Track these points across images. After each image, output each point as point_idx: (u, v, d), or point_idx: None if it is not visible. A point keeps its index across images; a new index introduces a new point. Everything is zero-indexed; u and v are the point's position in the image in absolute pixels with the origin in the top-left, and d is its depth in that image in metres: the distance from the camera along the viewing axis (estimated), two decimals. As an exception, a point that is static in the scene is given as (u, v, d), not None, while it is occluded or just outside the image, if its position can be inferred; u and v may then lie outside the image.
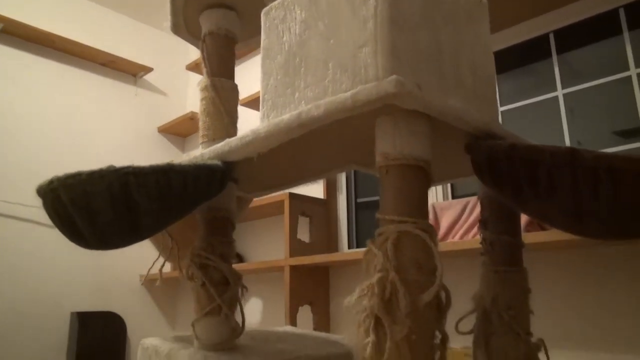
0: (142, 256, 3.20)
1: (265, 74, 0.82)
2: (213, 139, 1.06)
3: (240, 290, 1.04)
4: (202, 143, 1.03)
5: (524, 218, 1.59)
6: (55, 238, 2.85)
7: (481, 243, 0.94)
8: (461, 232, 1.72)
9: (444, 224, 1.78)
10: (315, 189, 2.65)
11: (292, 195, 2.41)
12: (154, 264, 1.10)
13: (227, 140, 0.85)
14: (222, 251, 1.01)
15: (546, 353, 0.89)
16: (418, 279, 0.64)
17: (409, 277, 0.63)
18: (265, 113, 0.81)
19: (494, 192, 0.82)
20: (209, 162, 0.85)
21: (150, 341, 1.05)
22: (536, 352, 0.87)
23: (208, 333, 0.97)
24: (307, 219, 2.47)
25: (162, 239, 1.14)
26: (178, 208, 0.83)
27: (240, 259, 2.91)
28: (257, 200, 2.57)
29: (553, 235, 1.45)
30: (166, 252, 1.12)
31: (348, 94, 0.65)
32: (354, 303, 0.63)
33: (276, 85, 0.79)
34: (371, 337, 0.62)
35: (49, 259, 2.80)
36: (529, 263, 1.81)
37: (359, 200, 2.62)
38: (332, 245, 2.55)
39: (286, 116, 0.73)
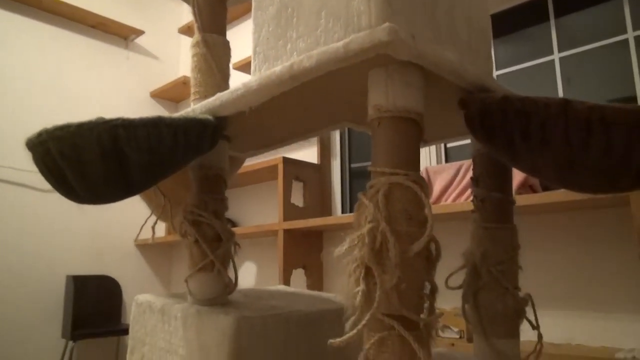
0: (137, 222, 3.21)
1: (257, 26, 0.80)
2: (205, 96, 1.04)
3: (232, 247, 1.05)
4: (194, 100, 1.02)
5: (515, 180, 1.60)
6: (48, 203, 2.84)
7: (472, 200, 0.94)
8: (454, 195, 1.73)
9: (437, 187, 1.79)
10: (309, 154, 2.64)
11: (285, 159, 2.41)
12: (146, 221, 1.10)
13: (219, 94, 0.84)
14: (214, 208, 1.01)
15: (533, 308, 0.91)
16: (408, 230, 0.64)
17: (399, 228, 0.64)
18: (257, 66, 0.80)
19: (486, 147, 0.82)
20: (200, 116, 0.85)
21: (144, 297, 1.06)
22: (523, 306, 0.88)
23: (201, 288, 0.98)
24: (301, 184, 2.47)
25: (154, 197, 1.14)
26: (169, 162, 0.83)
27: (233, 224, 2.92)
28: (251, 165, 2.57)
29: (544, 197, 1.46)
30: (158, 210, 1.12)
31: (340, 43, 0.64)
32: (344, 253, 0.64)
33: (268, 37, 0.78)
34: (361, 286, 0.63)
35: (42, 224, 2.80)
36: (519, 226, 1.82)
37: (353, 165, 2.62)
38: (325, 210, 2.56)
39: (278, 68, 0.72)
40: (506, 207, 0.91)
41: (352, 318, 0.65)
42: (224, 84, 1.09)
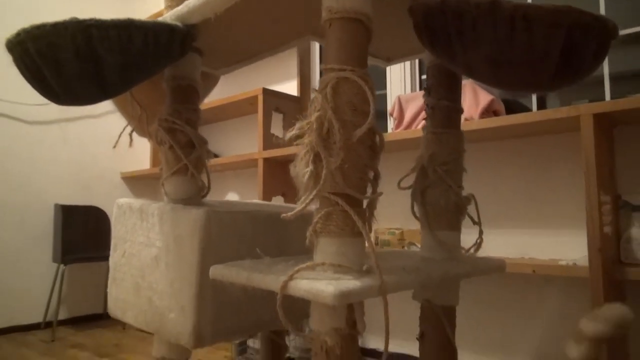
0: (123, 155, 3.27)
1: None
2: (176, 6, 1.09)
3: (205, 154, 1.13)
4: (166, 8, 1.06)
5: (479, 106, 1.68)
6: (33, 134, 2.88)
7: (425, 111, 1.02)
8: (424, 122, 1.81)
9: (408, 114, 1.87)
10: (289, 87, 2.68)
11: (265, 90, 2.45)
12: (123, 129, 1.17)
13: (187, 1, 0.90)
14: (187, 117, 1.09)
15: (476, 207, 1.01)
16: (352, 119, 0.72)
17: (344, 117, 0.72)
18: (220, -27, 0.85)
19: (431, 52, 0.89)
20: (170, 22, 0.90)
21: (124, 200, 1.14)
22: (465, 203, 0.98)
23: (176, 190, 1.07)
24: (281, 116, 2.53)
25: (131, 109, 1.21)
26: (141, 65, 0.89)
27: (215, 156, 2.99)
28: (232, 97, 2.61)
29: (504, 120, 1.55)
30: (134, 121, 1.19)
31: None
32: (293, 137, 0.72)
33: (230, -57, 0.82)
34: (310, 168, 0.72)
35: (28, 154, 2.85)
36: (482, 152, 1.92)
37: (333, 99, 2.66)
38: (305, 142, 2.63)
39: (238, -28, 0.77)
40: (453, 115, 0.99)
41: (303, 197, 0.74)
42: (195, -2, 1.12)
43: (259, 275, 0.72)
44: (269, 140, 2.40)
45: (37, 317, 2.77)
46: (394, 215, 2.09)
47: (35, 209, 2.85)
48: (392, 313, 2.03)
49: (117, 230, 1.14)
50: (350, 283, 0.65)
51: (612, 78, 1.78)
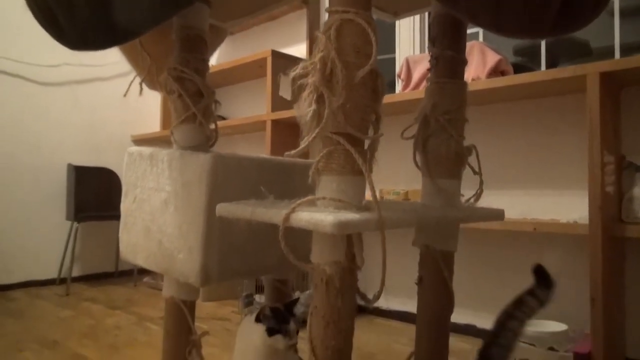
0: (133, 118, 3.30)
1: None
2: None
3: (213, 104, 1.15)
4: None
5: (487, 66, 1.68)
6: (45, 95, 2.91)
7: (430, 61, 1.03)
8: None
9: (416, 75, 1.87)
10: (298, 50, 2.68)
11: (274, 52, 2.46)
12: (134, 79, 1.19)
13: (195, -53, 0.91)
14: (196, 66, 1.11)
15: (477, 157, 1.03)
16: (355, 61, 0.74)
17: (347, 58, 0.74)
18: None
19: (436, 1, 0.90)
20: (178, -33, 0.91)
21: (134, 148, 1.18)
22: (466, 153, 1.00)
23: (184, 137, 1.10)
24: (289, 78, 2.53)
25: (140, 60, 1.23)
26: (149, 11, 0.90)
27: (223, 119, 3.01)
28: (241, 59, 2.62)
29: (510, 80, 1.55)
30: (144, 72, 1.21)
31: None
32: (297, 75, 0.74)
33: None
34: (313, 107, 0.74)
35: (40, 115, 2.89)
36: (488, 114, 1.92)
37: (342, 62, 2.66)
38: (313, 105, 2.64)
39: None
40: (457, 65, 1.00)
41: (306, 137, 0.77)
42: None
43: (262, 209, 0.76)
44: (278, 103, 2.42)
45: (52, 274, 2.86)
46: (399, 177, 2.12)
47: (48, 169, 2.91)
48: (394, 273, 2.08)
49: (128, 177, 1.18)
50: (349, 215, 0.68)
51: (623, 50, 1.76)
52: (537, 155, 1.77)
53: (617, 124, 1.55)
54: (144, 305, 2.36)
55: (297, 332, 0.95)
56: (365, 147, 0.79)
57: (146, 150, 1.13)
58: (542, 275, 0.77)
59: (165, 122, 3.34)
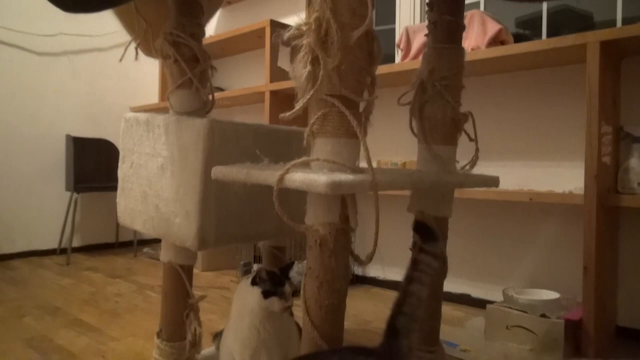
0: (131, 88, 3.28)
1: None
2: None
3: (209, 70, 1.15)
4: None
5: (487, 36, 1.67)
6: (43, 65, 2.89)
7: (427, 26, 1.03)
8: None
9: (416, 45, 1.85)
10: (298, 19, 2.65)
11: (273, 22, 2.43)
12: (129, 43, 1.18)
13: None
14: (192, 31, 1.10)
15: (473, 124, 1.03)
16: (350, 22, 0.73)
17: (342, 19, 0.73)
18: None
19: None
20: None
21: (131, 114, 1.18)
22: (462, 119, 1.00)
23: (181, 103, 1.10)
24: (288, 49, 2.51)
25: (136, 25, 1.22)
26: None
27: (221, 90, 2.99)
28: (240, 29, 2.59)
29: (510, 49, 1.53)
30: (139, 36, 1.20)
31: None
32: (291, 36, 0.74)
33: None
34: (308, 68, 0.74)
35: (38, 85, 2.87)
36: (487, 85, 1.91)
37: (341, 33, 2.63)
38: (312, 76, 2.62)
39: None
40: (455, 30, 0.99)
41: (301, 99, 0.77)
42: None
43: (257, 171, 0.76)
44: (276, 74, 2.40)
45: (52, 244, 2.89)
46: (398, 148, 2.12)
47: (47, 140, 2.91)
48: (390, 244, 2.10)
49: (125, 143, 1.18)
50: (343, 176, 0.68)
51: (625, 23, 1.73)
52: (535, 126, 1.77)
53: (617, 94, 1.54)
54: (143, 274, 2.39)
55: (293, 295, 0.97)
56: (361, 110, 0.79)
57: (142, 116, 1.13)
58: (425, 231, 0.74)
59: (164, 93, 3.32)
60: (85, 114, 3.09)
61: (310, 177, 0.68)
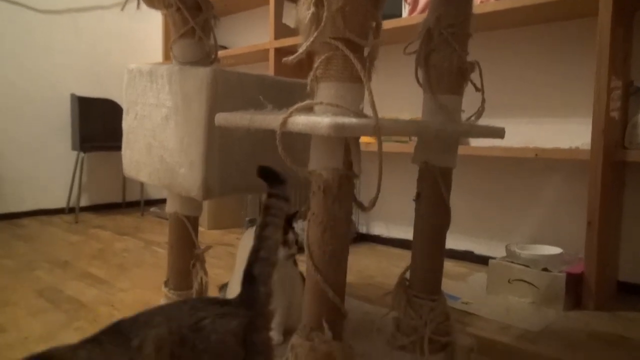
0: (135, 48, 3.25)
1: None
2: None
3: (212, 19, 1.13)
4: None
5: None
6: (45, 23, 2.85)
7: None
8: None
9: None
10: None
11: (277, -23, 2.37)
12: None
13: None
14: (194, -22, 1.07)
15: (480, 74, 1.01)
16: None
17: (347, -42, 0.71)
18: None
19: None
20: None
21: (134, 65, 1.17)
22: (469, 68, 0.99)
23: (184, 52, 1.09)
24: (293, 5, 2.46)
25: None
26: None
27: (224, 48, 2.96)
28: (243, -16, 2.53)
29: (519, 1, 1.50)
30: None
31: None
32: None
33: None
34: (312, 10, 0.73)
35: (40, 44, 2.84)
36: (496, 41, 1.87)
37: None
38: (318, 34, 2.58)
39: None
40: (464, -25, 0.96)
41: (305, 42, 0.75)
42: None
43: (260, 117, 0.76)
44: (281, 30, 2.36)
45: (60, 203, 2.92)
46: (404, 105, 2.09)
47: (52, 100, 2.90)
48: (395, 202, 2.11)
49: (129, 95, 1.17)
50: (346, 119, 0.68)
51: None
52: (543, 83, 1.74)
53: (628, 48, 1.51)
54: (151, 232, 2.42)
55: (296, 243, 0.98)
56: (365, 55, 0.77)
57: (145, 67, 1.12)
58: (270, 176, 0.74)
59: (167, 52, 3.27)
60: (89, 73, 3.07)
61: (314, 119, 0.67)
